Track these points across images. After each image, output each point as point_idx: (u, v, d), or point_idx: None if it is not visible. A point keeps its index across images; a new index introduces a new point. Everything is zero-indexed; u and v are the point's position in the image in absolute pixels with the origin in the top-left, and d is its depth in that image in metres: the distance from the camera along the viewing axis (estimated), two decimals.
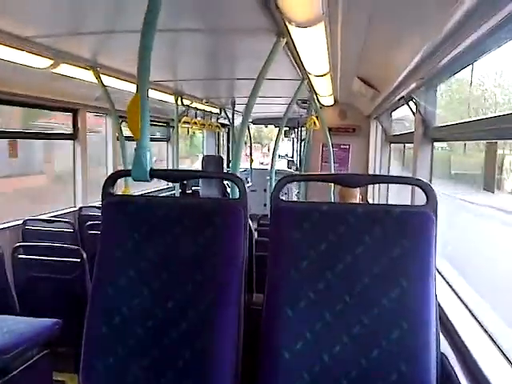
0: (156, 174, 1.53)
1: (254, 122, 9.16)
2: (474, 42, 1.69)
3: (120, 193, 3.83)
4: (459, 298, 1.92)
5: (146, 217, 1.46)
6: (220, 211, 1.45)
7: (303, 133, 7.78)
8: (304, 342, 1.35)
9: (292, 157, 9.54)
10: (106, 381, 1.39)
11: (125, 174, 1.59)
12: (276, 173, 4.30)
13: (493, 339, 1.50)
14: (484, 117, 1.90)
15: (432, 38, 1.90)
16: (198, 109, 6.41)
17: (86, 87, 3.83)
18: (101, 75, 3.49)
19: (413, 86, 2.70)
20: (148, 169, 1.47)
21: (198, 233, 1.43)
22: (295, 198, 7.34)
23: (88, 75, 3.46)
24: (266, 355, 1.37)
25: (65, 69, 3.22)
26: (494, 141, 1.80)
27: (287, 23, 2.04)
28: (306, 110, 6.02)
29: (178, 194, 5.71)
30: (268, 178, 4.62)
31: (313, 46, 2.54)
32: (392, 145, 5.35)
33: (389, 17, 2.07)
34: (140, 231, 1.45)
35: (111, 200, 1.51)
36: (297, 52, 2.76)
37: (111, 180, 1.54)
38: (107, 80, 3.64)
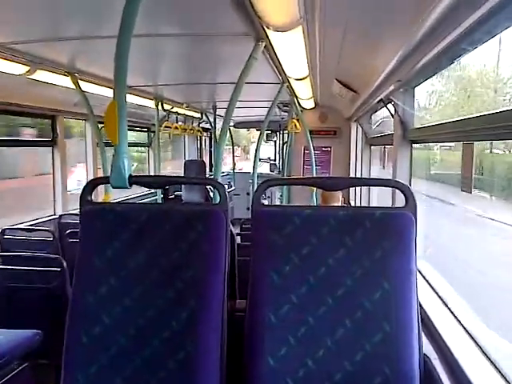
0: (135, 180, 1.51)
1: (235, 126, 9.17)
2: (450, 44, 1.72)
3: (101, 200, 3.80)
4: (440, 297, 1.94)
5: (126, 224, 1.45)
6: (201, 216, 1.45)
7: (285, 136, 7.81)
8: (288, 348, 1.35)
9: (274, 160, 9.56)
10: None
11: (104, 181, 1.57)
12: (258, 176, 4.31)
13: (475, 340, 1.52)
14: (459, 118, 1.93)
15: (408, 40, 1.93)
16: (179, 113, 6.38)
17: (64, 93, 3.77)
18: (79, 81, 3.45)
19: (391, 88, 2.73)
20: (127, 175, 1.46)
21: (179, 239, 1.42)
22: (278, 202, 7.36)
23: (66, 81, 3.42)
24: (251, 362, 1.37)
25: (42, 75, 3.17)
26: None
27: (265, 27, 2.05)
28: (287, 113, 6.04)
29: (160, 200, 5.67)
30: (250, 181, 4.62)
31: (291, 50, 2.55)
32: (373, 146, 5.41)
33: (365, 20, 2.09)
34: (120, 239, 1.43)
35: (90, 208, 1.49)
36: (276, 56, 2.77)
37: (90, 187, 1.52)
38: (85, 86, 3.60)
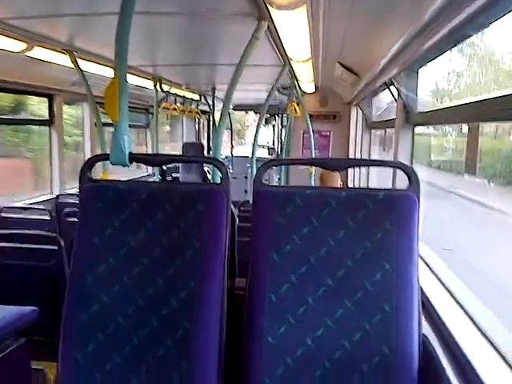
0: (135, 157, 1.50)
1: (234, 109, 9.09)
2: (454, 28, 1.69)
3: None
4: (439, 280, 1.95)
5: (126, 202, 1.43)
6: (202, 196, 1.43)
7: (284, 120, 7.76)
8: (287, 326, 1.36)
9: (273, 144, 9.52)
10: (86, 369, 1.36)
11: (103, 158, 1.55)
12: (257, 160, 4.29)
13: (474, 321, 1.52)
14: (462, 102, 1.92)
15: (414, 23, 1.90)
16: (177, 95, 6.32)
17: (63, 72, 3.72)
18: (77, 59, 3.39)
19: (394, 71, 2.70)
20: (127, 153, 1.44)
21: (179, 218, 1.41)
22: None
23: (64, 59, 3.36)
24: (250, 340, 1.37)
25: (39, 52, 3.12)
26: (475, 126, 1.83)
27: (268, 6, 2.01)
28: (287, 97, 5.99)
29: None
30: (248, 165, 4.60)
31: (294, 30, 2.51)
32: (372, 131, 5.38)
33: (372, 2, 2.05)
34: (120, 217, 1.42)
35: (89, 185, 1.48)
36: (278, 36, 2.72)
37: (89, 164, 1.50)
38: (84, 64, 3.54)
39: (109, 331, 1.37)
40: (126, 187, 1.48)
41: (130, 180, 5.63)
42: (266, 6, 2.03)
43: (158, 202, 1.43)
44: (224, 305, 1.38)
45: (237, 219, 3.00)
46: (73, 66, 3.40)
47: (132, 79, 4.62)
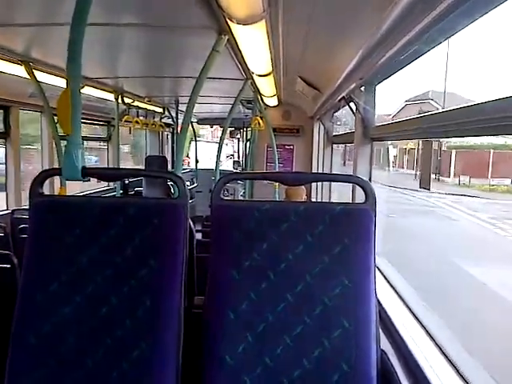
0: (89, 172, 1.45)
1: (198, 122, 9.07)
2: (409, 43, 1.75)
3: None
4: (397, 294, 1.98)
5: (79, 218, 1.38)
6: (158, 210, 1.40)
7: (249, 133, 7.80)
8: (246, 345, 1.33)
9: (238, 158, 9.54)
10: None
11: (55, 172, 1.50)
12: (221, 173, 4.27)
13: (430, 335, 1.54)
14: (416, 116, 1.97)
15: (369, 39, 1.95)
16: (140, 107, 6.24)
17: (19, 83, 3.60)
18: (34, 70, 3.30)
19: (352, 86, 2.76)
20: (80, 167, 1.40)
21: (134, 233, 1.37)
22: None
23: (20, 70, 3.26)
24: (208, 360, 1.34)
25: None
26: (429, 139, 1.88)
27: (228, 20, 2.02)
28: (251, 111, 6.03)
29: (119, 196, 5.53)
30: (213, 178, 4.58)
31: (255, 45, 2.53)
32: (335, 145, 5.48)
33: (328, 17, 2.10)
34: (71, 233, 1.36)
35: (40, 200, 1.42)
36: (239, 50, 2.74)
37: (40, 178, 1.44)
38: (41, 76, 3.44)
39: (60, 354, 1.30)
40: (78, 202, 1.43)
41: (85, 195, 5.51)
42: (226, 20, 2.04)
43: (112, 216, 1.38)
44: (181, 324, 1.35)
45: (199, 235, 2.96)
46: (29, 76, 3.30)
47: (92, 91, 4.52)
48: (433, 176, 11.93)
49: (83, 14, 1.35)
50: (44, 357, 1.30)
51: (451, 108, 1.54)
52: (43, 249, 1.36)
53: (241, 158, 9.19)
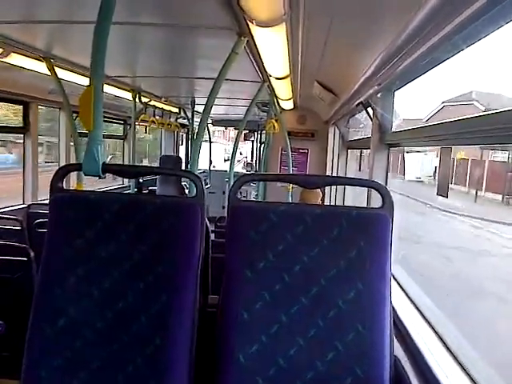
0: (109, 168, 1.47)
1: (213, 124, 9.10)
2: (430, 50, 1.73)
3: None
4: (410, 300, 1.96)
5: (98, 213, 1.40)
6: (176, 209, 1.41)
7: (263, 136, 7.80)
8: (259, 345, 1.33)
9: (252, 160, 9.55)
10: None
11: (76, 167, 1.52)
12: (234, 175, 4.28)
13: (443, 341, 1.53)
14: (435, 123, 1.96)
15: (390, 44, 1.94)
16: (156, 107, 6.29)
17: (39, 79, 3.66)
18: (55, 67, 3.35)
19: (370, 91, 2.75)
20: (100, 163, 1.41)
21: (152, 231, 1.38)
22: None
23: (41, 67, 3.31)
24: (221, 359, 1.34)
25: (16, 59, 3.07)
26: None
27: (248, 22, 2.03)
28: (266, 113, 6.03)
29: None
30: (226, 179, 4.59)
31: (274, 47, 2.54)
32: (350, 151, 5.45)
33: (349, 22, 2.09)
34: (90, 228, 1.38)
35: (61, 195, 1.44)
36: (258, 53, 2.75)
37: (61, 174, 1.47)
38: (61, 73, 3.49)
39: (75, 347, 1.32)
40: (97, 198, 1.45)
41: (104, 191, 5.56)
42: (246, 22, 2.05)
43: (131, 213, 1.40)
44: (196, 322, 1.36)
45: (212, 235, 2.98)
46: (50, 73, 3.35)
47: (110, 89, 4.58)
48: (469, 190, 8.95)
49: (108, 12, 1.37)
50: (60, 349, 1.32)
51: (473, 116, 1.53)
52: (62, 242, 1.38)
53: (254, 161, 9.20)
